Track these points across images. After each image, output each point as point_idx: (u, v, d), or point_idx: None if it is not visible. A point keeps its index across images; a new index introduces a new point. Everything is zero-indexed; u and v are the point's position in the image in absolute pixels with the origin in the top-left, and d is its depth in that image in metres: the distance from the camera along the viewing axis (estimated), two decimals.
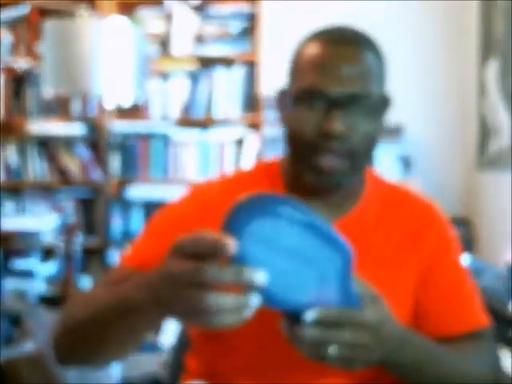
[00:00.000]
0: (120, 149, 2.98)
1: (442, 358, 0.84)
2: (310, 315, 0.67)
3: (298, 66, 0.88)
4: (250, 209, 0.65)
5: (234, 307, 0.62)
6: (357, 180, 0.94)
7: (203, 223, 0.90)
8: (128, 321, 0.74)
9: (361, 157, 0.87)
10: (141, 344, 0.81)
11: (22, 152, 3.03)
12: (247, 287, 0.63)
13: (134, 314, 0.72)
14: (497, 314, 1.52)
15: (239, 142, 2.99)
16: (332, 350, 0.69)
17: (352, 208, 0.94)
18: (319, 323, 0.68)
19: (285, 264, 0.66)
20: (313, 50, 0.86)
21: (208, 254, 0.61)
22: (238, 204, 0.65)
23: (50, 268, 2.98)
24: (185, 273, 0.62)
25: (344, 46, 0.85)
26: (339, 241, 0.70)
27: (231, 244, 0.61)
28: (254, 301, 0.62)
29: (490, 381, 0.90)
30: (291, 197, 0.68)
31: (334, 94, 0.83)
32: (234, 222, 0.64)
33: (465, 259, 2.27)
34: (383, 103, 0.90)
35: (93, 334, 0.80)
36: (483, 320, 0.96)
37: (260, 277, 0.62)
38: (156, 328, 0.80)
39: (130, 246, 0.97)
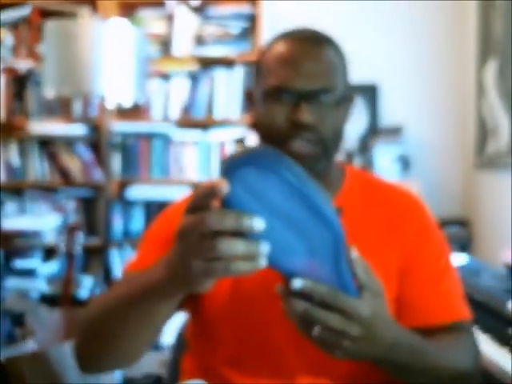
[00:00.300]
0: (121, 149, 2.99)
1: (432, 357, 0.85)
2: (297, 282, 0.68)
3: (267, 65, 0.94)
4: (245, 156, 0.66)
5: (245, 253, 0.63)
6: (333, 172, 0.98)
7: None
8: (148, 307, 0.76)
9: (331, 144, 0.93)
10: (158, 337, 0.84)
11: (23, 152, 3.04)
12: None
13: (154, 298, 0.75)
14: (495, 313, 1.52)
15: (240, 142, 3.00)
16: (316, 330, 0.70)
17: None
18: (308, 297, 0.69)
19: (271, 222, 0.65)
20: (280, 49, 0.93)
21: (207, 202, 0.64)
22: (237, 151, 0.67)
23: (51, 267, 3.00)
24: (190, 225, 0.65)
25: (308, 45, 0.92)
26: (329, 218, 0.69)
27: (222, 184, 0.63)
28: (264, 247, 0.64)
29: (473, 373, 0.91)
30: (292, 160, 0.68)
31: (301, 89, 0.89)
32: (226, 165, 0.65)
33: (463, 258, 2.29)
34: (347, 96, 0.96)
35: (113, 329, 0.82)
36: (464, 312, 0.97)
37: (258, 223, 0.63)
38: (174, 312, 0.82)
39: (132, 256, 1.00)
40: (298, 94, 0.89)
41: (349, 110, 0.98)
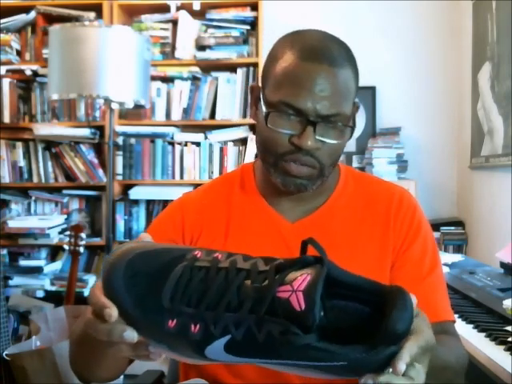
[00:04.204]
0: (124, 151, 3.03)
1: (440, 353, 0.80)
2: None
3: (276, 75, 0.88)
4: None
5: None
6: (327, 179, 0.97)
7: (183, 231, 0.98)
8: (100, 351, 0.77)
9: (327, 167, 0.91)
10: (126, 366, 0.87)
11: (28, 153, 3.08)
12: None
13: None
14: (491, 311, 1.56)
15: (241, 144, 3.04)
16: None
17: (325, 201, 0.98)
18: None
19: None
20: (291, 62, 0.86)
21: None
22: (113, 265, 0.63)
23: (55, 266, 3.04)
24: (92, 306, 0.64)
25: (323, 65, 0.85)
26: None
27: (110, 311, 0.61)
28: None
29: (463, 373, 0.90)
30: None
31: (311, 113, 0.85)
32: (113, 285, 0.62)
33: (459, 258, 2.31)
34: (354, 112, 0.92)
35: (81, 357, 0.86)
36: (447, 313, 0.96)
37: (130, 335, 0.61)
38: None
39: None
40: (307, 117, 0.85)
41: (354, 124, 0.94)
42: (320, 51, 0.86)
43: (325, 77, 0.85)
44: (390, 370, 0.58)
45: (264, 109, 0.89)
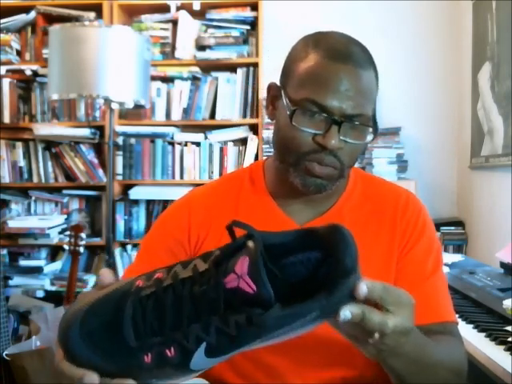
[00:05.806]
0: (124, 151, 3.03)
1: (432, 350, 0.81)
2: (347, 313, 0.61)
3: (300, 73, 0.88)
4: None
5: None
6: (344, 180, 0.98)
7: (189, 231, 0.97)
8: None
9: (347, 167, 0.92)
10: None
11: (28, 153, 3.09)
12: None
13: None
14: (491, 311, 1.57)
15: (241, 144, 3.04)
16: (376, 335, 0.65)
17: (334, 203, 0.99)
18: None
19: None
20: (317, 61, 0.87)
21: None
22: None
23: (55, 266, 3.04)
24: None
25: (348, 65, 0.86)
26: None
27: (91, 378, 0.60)
28: None
29: (460, 374, 0.89)
30: None
31: (337, 112, 0.85)
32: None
33: (459, 258, 2.31)
34: (373, 119, 0.91)
35: None
36: (448, 314, 0.96)
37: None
38: None
39: (131, 263, 1.02)
40: (332, 117, 0.85)
41: (376, 125, 0.93)
42: (345, 52, 0.87)
43: (350, 77, 0.85)
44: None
45: (287, 107, 0.89)
